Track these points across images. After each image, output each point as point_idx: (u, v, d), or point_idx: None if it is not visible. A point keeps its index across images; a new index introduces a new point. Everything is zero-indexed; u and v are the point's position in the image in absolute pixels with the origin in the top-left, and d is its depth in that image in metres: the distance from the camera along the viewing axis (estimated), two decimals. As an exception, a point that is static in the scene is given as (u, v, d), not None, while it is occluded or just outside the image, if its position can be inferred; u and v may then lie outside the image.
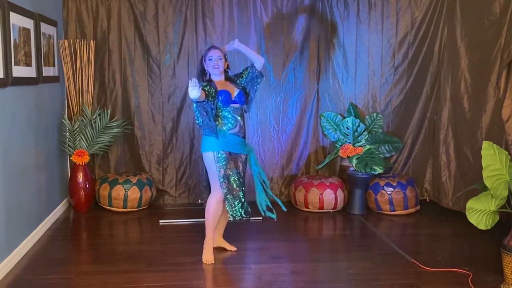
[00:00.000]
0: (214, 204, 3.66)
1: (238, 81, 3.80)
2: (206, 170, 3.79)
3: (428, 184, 5.45)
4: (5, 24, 3.42)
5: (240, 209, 3.63)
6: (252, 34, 5.18)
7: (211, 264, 3.62)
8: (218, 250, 3.90)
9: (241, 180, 3.67)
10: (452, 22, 5.00)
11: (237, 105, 3.70)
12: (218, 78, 3.73)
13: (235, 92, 3.71)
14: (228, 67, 3.82)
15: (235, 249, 3.89)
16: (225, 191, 3.59)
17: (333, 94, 5.37)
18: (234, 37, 5.15)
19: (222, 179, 3.58)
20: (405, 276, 3.44)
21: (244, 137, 3.76)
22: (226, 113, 3.65)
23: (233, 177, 3.62)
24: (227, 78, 3.78)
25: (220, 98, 3.62)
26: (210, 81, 3.71)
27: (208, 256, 3.67)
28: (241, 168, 3.72)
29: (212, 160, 3.60)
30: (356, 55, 5.32)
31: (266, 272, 3.51)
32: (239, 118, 3.68)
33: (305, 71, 5.30)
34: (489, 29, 4.49)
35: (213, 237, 3.82)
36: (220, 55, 3.69)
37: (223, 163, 3.58)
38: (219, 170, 3.58)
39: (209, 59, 3.69)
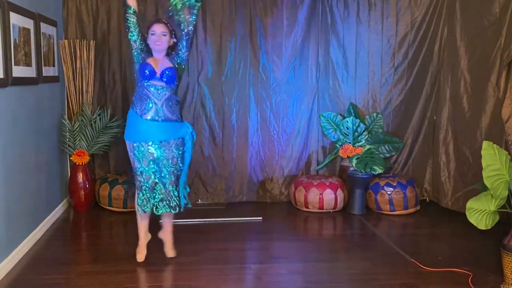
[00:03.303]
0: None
1: (175, 53, 3.46)
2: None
3: (428, 184, 5.45)
4: (5, 24, 3.42)
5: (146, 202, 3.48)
6: (252, 34, 5.18)
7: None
8: (219, 251, 3.90)
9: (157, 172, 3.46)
10: (452, 22, 5.00)
11: (160, 84, 3.38)
12: (157, 55, 3.44)
13: (160, 68, 3.37)
14: (174, 45, 3.46)
15: (173, 255, 3.72)
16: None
17: (333, 94, 5.37)
18: (234, 37, 5.16)
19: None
20: (405, 276, 3.44)
21: (169, 120, 3.42)
22: (145, 90, 3.38)
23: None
24: (168, 55, 3.47)
25: (140, 71, 3.37)
26: (148, 55, 3.44)
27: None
28: (168, 156, 3.47)
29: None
30: (356, 55, 5.32)
31: (266, 272, 3.51)
32: (156, 100, 3.37)
33: (305, 71, 5.31)
34: (489, 29, 4.49)
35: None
36: (165, 31, 3.38)
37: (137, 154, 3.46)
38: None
39: (151, 33, 3.38)
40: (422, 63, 5.29)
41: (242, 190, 5.38)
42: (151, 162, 3.46)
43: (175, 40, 3.47)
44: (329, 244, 4.22)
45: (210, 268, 3.56)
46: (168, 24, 3.43)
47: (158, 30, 3.37)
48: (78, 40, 4.90)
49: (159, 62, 3.42)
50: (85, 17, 5.04)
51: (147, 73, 3.35)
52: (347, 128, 5.21)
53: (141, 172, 3.48)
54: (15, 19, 3.61)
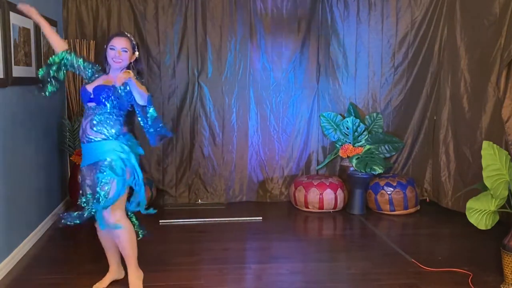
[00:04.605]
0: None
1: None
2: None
3: (428, 184, 5.45)
4: (5, 24, 3.42)
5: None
6: (252, 34, 5.19)
7: None
8: (219, 250, 3.90)
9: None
10: (452, 22, 5.00)
11: (91, 104, 2.93)
12: (114, 74, 2.96)
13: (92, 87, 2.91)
14: (136, 60, 3.03)
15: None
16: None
17: (333, 94, 5.37)
18: (234, 37, 5.16)
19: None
20: (405, 276, 3.44)
21: (92, 141, 2.95)
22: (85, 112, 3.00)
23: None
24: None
25: (82, 93, 3.01)
26: (102, 70, 3.06)
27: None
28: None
29: None
30: (356, 55, 5.32)
31: (266, 272, 3.51)
32: (84, 120, 2.95)
33: (305, 71, 5.30)
34: (489, 29, 4.49)
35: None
36: (126, 47, 2.94)
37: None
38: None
39: (110, 48, 2.94)
40: (422, 63, 5.29)
41: (242, 190, 5.38)
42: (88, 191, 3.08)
43: (137, 53, 3.03)
44: (329, 244, 4.22)
45: (210, 268, 3.56)
46: (132, 39, 3.02)
47: (119, 45, 2.93)
48: (78, 40, 4.90)
49: (107, 81, 2.97)
50: (85, 17, 5.04)
51: (83, 96, 2.99)
52: (347, 128, 5.21)
53: (85, 202, 3.14)
54: (15, 19, 3.61)
